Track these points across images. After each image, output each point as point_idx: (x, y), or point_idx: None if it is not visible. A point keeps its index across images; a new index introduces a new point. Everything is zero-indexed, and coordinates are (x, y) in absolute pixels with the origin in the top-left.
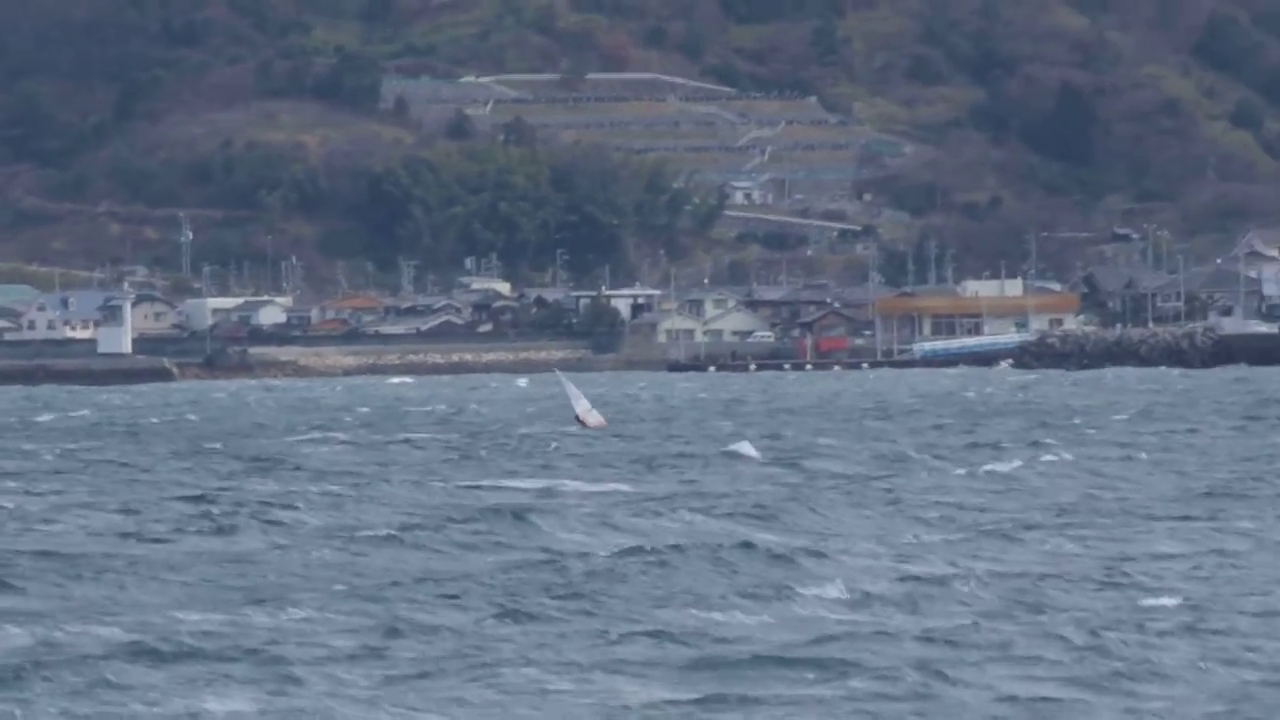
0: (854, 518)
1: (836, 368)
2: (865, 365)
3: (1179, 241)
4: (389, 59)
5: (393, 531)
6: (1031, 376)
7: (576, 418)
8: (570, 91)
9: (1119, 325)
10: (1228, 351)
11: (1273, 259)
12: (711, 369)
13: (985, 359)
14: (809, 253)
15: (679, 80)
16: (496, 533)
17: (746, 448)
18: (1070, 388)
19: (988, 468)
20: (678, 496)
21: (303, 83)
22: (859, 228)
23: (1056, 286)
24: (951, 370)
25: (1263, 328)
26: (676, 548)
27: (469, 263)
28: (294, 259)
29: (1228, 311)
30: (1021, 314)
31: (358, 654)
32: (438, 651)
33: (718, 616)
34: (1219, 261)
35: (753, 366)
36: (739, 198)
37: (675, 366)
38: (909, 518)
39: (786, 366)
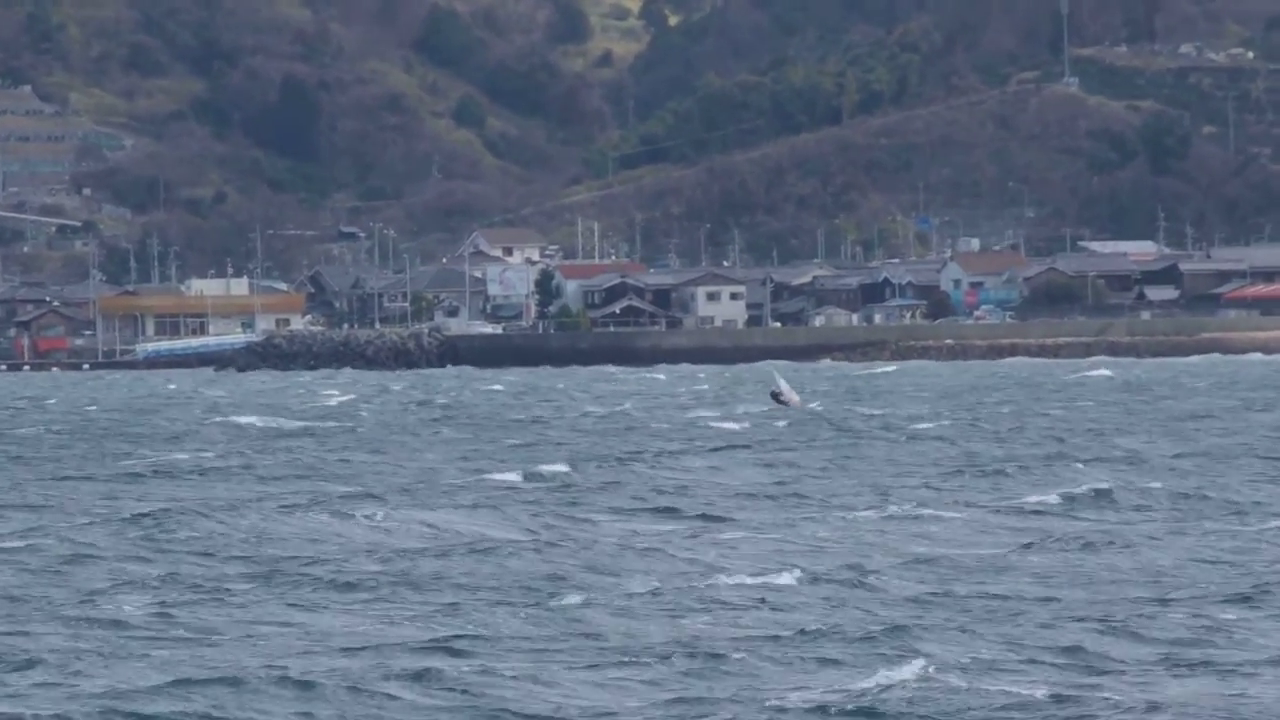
0: None
1: (55, 369)
2: (87, 366)
3: (405, 240)
4: None
5: None
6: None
7: (774, 395)
8: None
9: (346, 325)
10: (454, 352)
11: (497, 259)
12: None
13: (212, 360)
14: (26, 249)
15: None
16: None
17: None
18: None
19: None
20: None
21: None
22: (78, 223)
23: (283, 286)
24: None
25: (488, 328)
26: None
27: None
28: None
29: (454, 312)
30: (248, 313)
31: None
32: None
33: None
34: (445, 261)
35: None
36: None
37: None
38: None
39: (3, 367)
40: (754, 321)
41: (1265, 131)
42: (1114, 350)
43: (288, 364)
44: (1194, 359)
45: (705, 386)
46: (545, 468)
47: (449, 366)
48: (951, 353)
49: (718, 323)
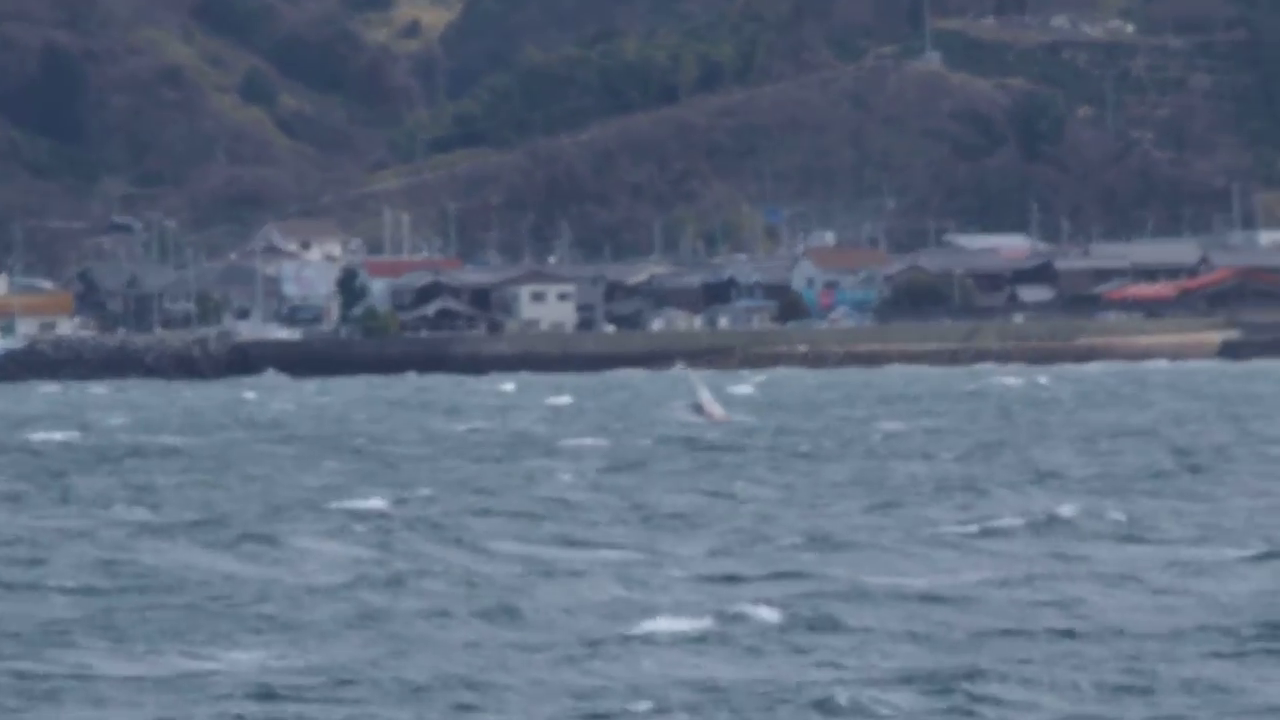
0: None
1: None
2: None
3: (188, 233)
4: None
5: None
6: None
7: (695, 407)
8: None
9: (121, 329)
10: (245, 359)
11: (294, 255)
12: None
13: None
14: None
15: None
16: None
17: None
18: None
19: None
20: None
21: None
22: None
23: (48, 284)
24: None
25: (284, 333)
26: None
27: None
28: None
29: (245, 314)
30: (8, 316)
31: None
32: None
33: None
34: (234, 257)
35: None
36: None
37: None
38: None
39: None
40: (585, 325)
41: (1147, 114)
42: (983, 357)
43: (54, 373)
44: (1093, 366)
45: (566, 399)
46: (412, 492)
47: (255, 375)
48: (804, 360)
49: (544, 326)
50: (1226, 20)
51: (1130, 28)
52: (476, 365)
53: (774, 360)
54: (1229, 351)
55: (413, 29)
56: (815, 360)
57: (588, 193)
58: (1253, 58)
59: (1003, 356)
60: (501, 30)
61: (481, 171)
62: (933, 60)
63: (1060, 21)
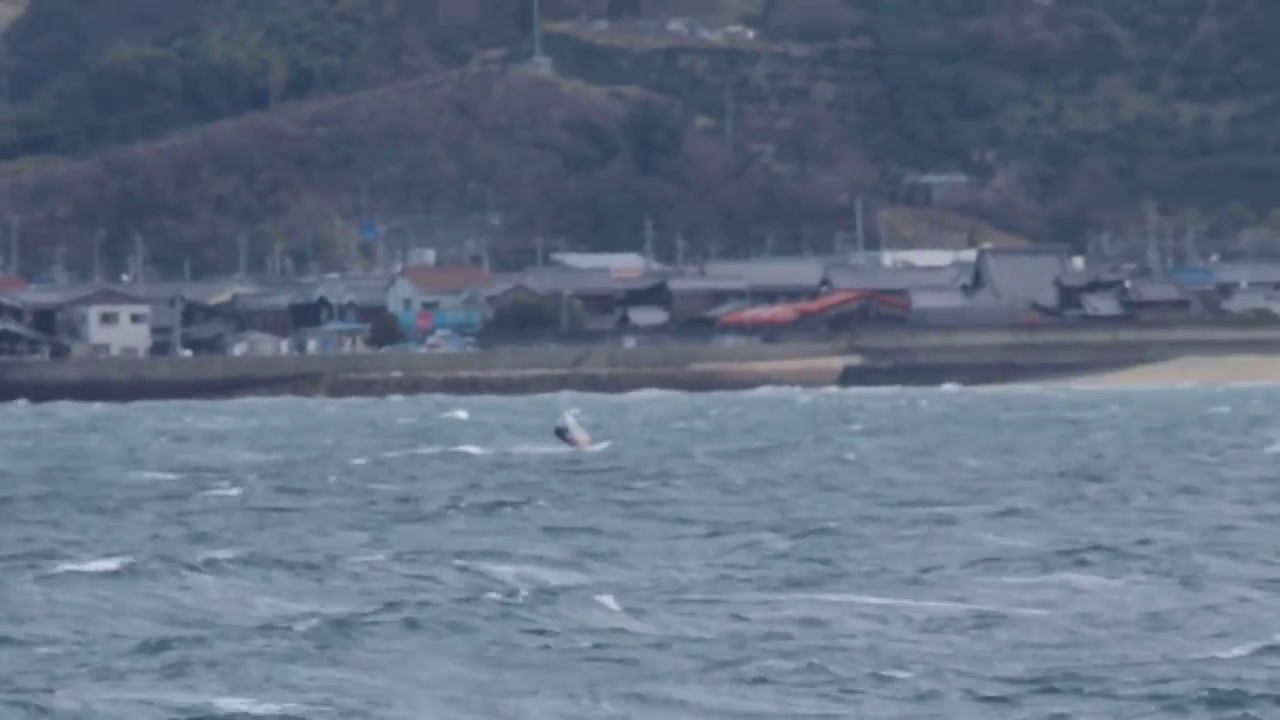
0: None
1: None
2: None
3: None
4: None
5: None
6: None
7: (559, 432)
8: None
9: None
10: None
11: None
12: None
13: None
14: None
15: None
16: None
17: None
18: None
19: None
20: None
21: None
22: None
23: None
24: None
25: None
26: None
27: None
28: None
29: None
30: None
31: None
32: None
33: None
34: None
35: None
36: None
37: None
38: None
39: None
40: (160, 349)
41: (768, 125)
42: (593, 384)
43: None
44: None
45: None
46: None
47: None
48: (400, 386)
49: (115, 351)
50: (851, 27)
51: (751, 34)
52: (41, 393)
53: (366, 388)
54: (851, 377)
55: None
56: (411, 387)
57: (166, 205)
58: (878, 66)
59: (612, 384)
60: (72, 28)
61: (48, 181)
62: (542, 66)
63: (677, 26)
